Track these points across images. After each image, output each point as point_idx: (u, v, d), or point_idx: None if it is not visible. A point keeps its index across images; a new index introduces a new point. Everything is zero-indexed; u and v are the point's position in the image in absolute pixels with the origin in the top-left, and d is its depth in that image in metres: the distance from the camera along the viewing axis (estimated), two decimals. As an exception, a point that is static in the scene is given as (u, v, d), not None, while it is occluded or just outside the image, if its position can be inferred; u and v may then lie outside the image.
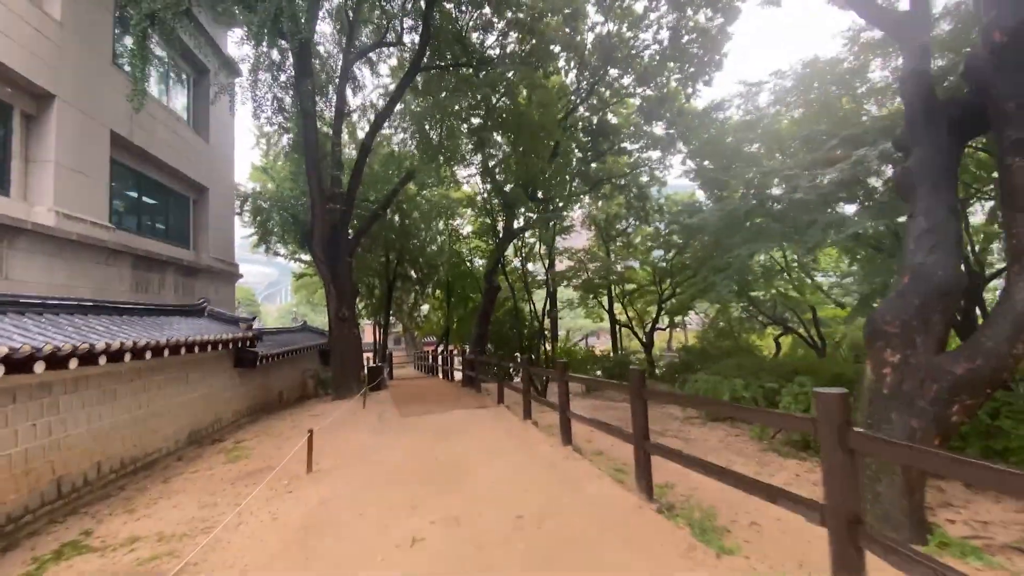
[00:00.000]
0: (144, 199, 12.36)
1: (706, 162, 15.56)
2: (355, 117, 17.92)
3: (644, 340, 19.95)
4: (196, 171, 13.95)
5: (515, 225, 13.72)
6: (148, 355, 7.03)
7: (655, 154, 18.13)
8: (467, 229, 20.81)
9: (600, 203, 21.78)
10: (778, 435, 7.32)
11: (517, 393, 9.16)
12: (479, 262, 22.70)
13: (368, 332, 34.57)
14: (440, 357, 19.58)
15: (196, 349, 8.45)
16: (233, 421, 10.87)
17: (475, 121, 14.12)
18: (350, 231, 13.94)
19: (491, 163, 13.28)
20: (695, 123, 15.16)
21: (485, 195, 14.08)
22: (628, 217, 21.30)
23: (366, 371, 15.33)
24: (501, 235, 12.63)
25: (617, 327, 22.62)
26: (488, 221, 14.21)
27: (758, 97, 11.62)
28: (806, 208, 7.82)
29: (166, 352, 7.45)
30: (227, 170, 15.82)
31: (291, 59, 11.39)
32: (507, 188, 12.41)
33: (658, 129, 17.35)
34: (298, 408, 12.48)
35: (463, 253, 20.57)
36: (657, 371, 20.31)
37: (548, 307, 19.45)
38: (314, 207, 12.13)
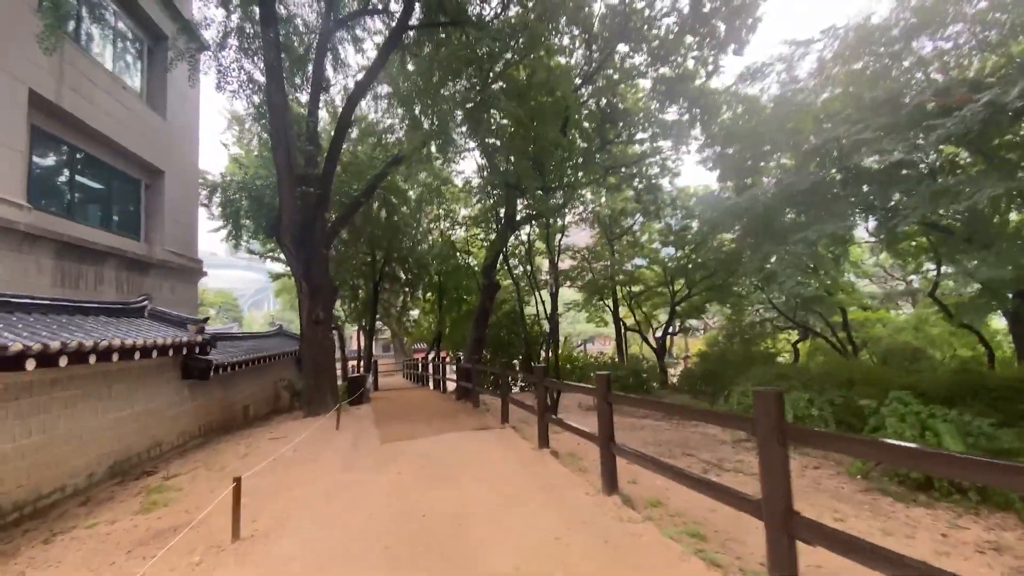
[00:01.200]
0: (79, 178, 10.44)
1: (729, 149, 14.02)
2: (337, 99, 16.18)
3: (655, 346, 18.24)
4: (149, 150, 12.06)
5: (518, 210, 11.87)
6: (31, 364, 5.14)
7: (666, 143, 16.49)
8: (463, 212, 18.88)
9: (604, 198, 20.14)
10: (879, 467, 5.58)
11: (522, 410, 7.38)
12: (474, 262, 20.88)
13: (356, 338, 32.46)
14: (431, 365, 17.70)
15: (116, 356, 6.56)
16: (179, 445, 8.94)
17: (471, 96, 12.35)
18: (328, 219, 12.11)
19: (491, 140, 11.52)
20: (717, 104, 13.57)
21: (483, 175, 12.15)
22: (635, 213, 19.68)
23: (347, 382, 13.44)
24: (502, 222, 10.84)
25: (623, 331, 20.92)
26: (488, 203, 12.44)
27: (801, 63, 10.02)
28: (894, 176, 6.16)
29: (62, 360, 5.56)
30: (189, 152, 13.92)
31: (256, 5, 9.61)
32: (510, 163, 10.64)
33: (671, 114, 15.73)
34: (264, 426, 10.55)
35: (457, 244, 18.62)
36: (671, 380, 18.60)
37: (550, 310, 17.65)
38: (282, 187, 10.31)
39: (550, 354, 16.85)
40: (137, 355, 7.08)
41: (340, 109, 15.20)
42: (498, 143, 12.76)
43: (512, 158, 10.92)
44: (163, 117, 12.85)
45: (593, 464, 5.27)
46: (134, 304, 8.87)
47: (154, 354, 7.50)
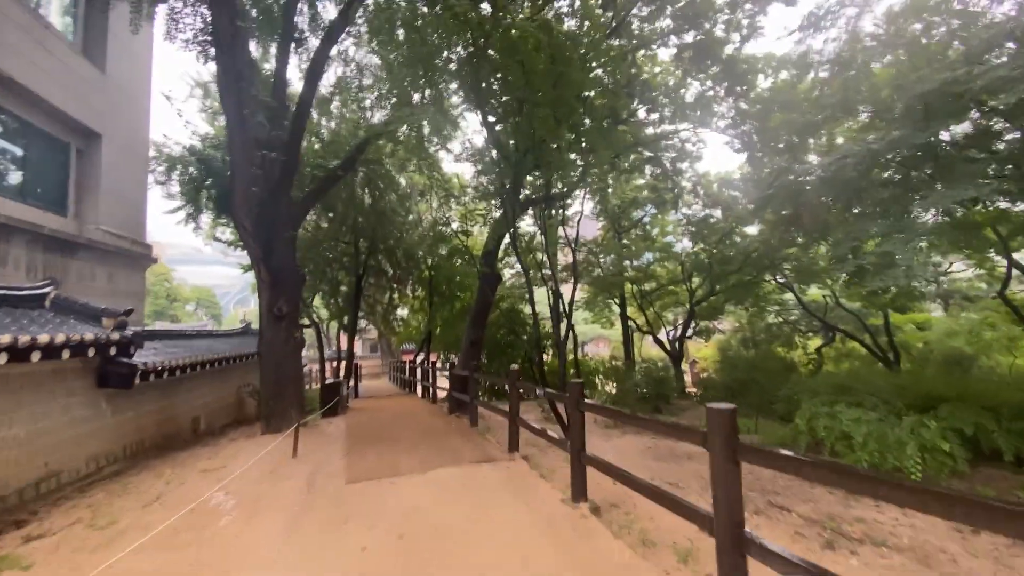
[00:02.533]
0: (-25, 132, 8.35)
1: (759, 124, 12.25)
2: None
3: (670, 349, 16.42)
4: (80, 107, 9.97)
5: (525, 186, 9.80)
6: None
7: (688, 122, 14.66)
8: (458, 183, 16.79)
9: (612, 187, 18.26)
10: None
11: (525, 429, 5.50)
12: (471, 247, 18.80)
13: (337, 337, 29.82)
14: (419, 370, 15.67)
15: (-40, 361, 4.52)
16: (87, 475, 6.88)
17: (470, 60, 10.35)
18: (296, 195, 10.10)
19: (494, 106, 9.54)
20: (753, 71, 11.80)
21: (485, 141, 10.07)
22: (646, 204, 17.86)
23: (320, 389, 11.41)
24: (505, 196, 8.84)
25: (630, 333, 19.07)
26: (488, 178, 10.51)
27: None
28: None
29: None
30: (135, 116, 11.81)
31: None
32: (517, 127, 8.68)
33: (694, 88, 13.92)
34: (209, 446, 8.52)
35: (450, 235, 16.52)
36: (690, 390, 16.76)
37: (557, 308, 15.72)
38: (233, 148, 8.31)
39: (547, 358, 14.90)
40: (4, 358, 5.04)
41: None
42: (500, 106, 10.73)
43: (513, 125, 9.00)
44: (101, 70, 10.75)
45: (669, 531, 3.36)
46: (29, 290, 6.79)
47: (35, 356, 5.45)
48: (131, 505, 5.13)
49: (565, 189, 13.55)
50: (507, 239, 14.18)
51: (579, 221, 10.47)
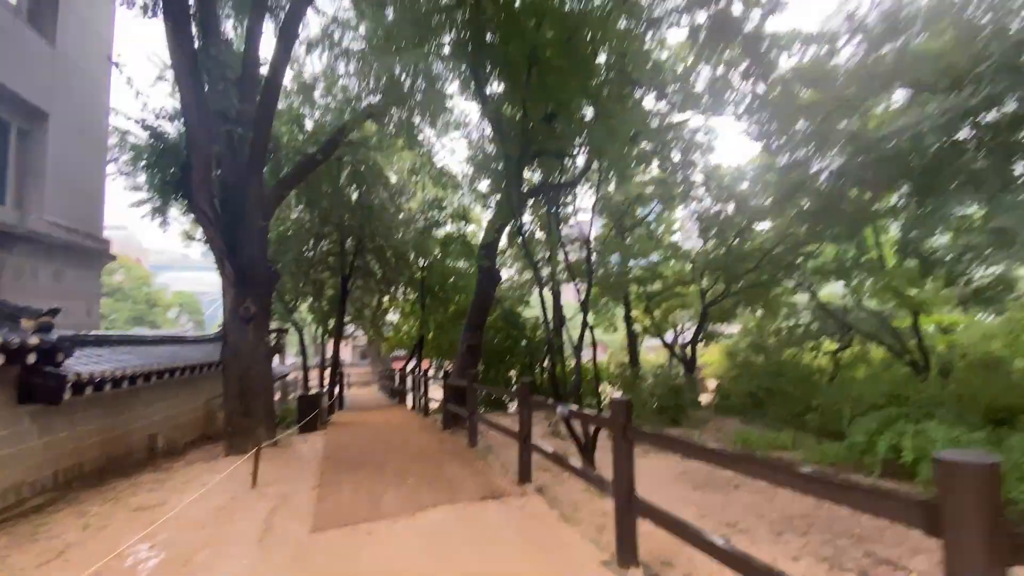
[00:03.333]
0: None
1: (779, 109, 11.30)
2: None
3: (682, 355, 15.33)
4: (23, 82, 8.75)
5: (526, 182, 8.50)
6: None
7: (699, 109, 13.64)
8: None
9: (614, 179, 17.17)
10: None
11: (534, 452, 4.36)
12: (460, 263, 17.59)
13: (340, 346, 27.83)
14: (409, 378, 14.40)
15: None
16: (7, 507, 5.61)
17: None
18: (271, 182, 8.92)
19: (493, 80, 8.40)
20: (778, 46, 10.81)
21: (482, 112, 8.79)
22: (652, 200, 16.84)
23: (297, 402, 10.19)
24: (507, 179, 7.65)
25: (634, 338, 17.97)
26: (486, 154, 9.38)
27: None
28: None
29: None
30: (92, 95, 10.59)
31: None
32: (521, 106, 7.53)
33: (706, 76, 12.93)
34: (161, 471, 7.26)
35: (443, 212, 15.18)
36: (702, 399, 15.63)
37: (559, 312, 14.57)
38: (189, 119, 7.10)
39: (548, 364, 13.78)
40: None
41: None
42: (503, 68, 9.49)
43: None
44: (50, 43, 9.53)
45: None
46: (-73, 285, 5.54)
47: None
48: (26, 561, 3.89)
49: (576, 171, 12.44)
50: (504, 240, 13.07)
51: (596, 207, 9.30)
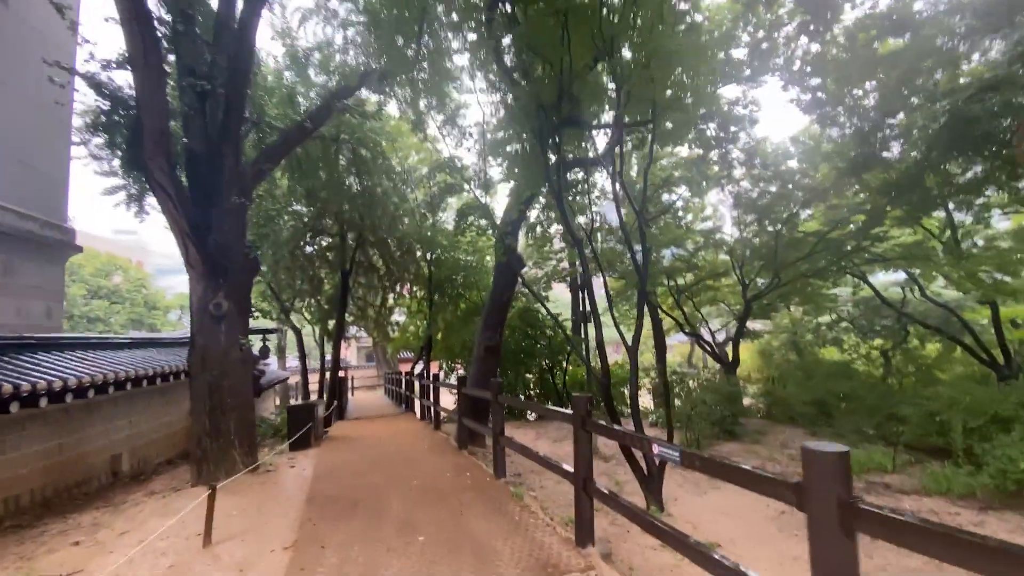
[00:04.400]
0: None
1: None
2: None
3: (719, 354, 13.78)
4: (-44, 40, 7.40)
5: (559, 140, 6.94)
6: None
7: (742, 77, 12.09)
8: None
9: (636, 159, 15.61)
10: None
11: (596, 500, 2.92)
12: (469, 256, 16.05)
13: (344, 349, 25.57)
14: (417, 383, 12.95)
15: None
16: None
17: None
18: (247, 152, 7.54)
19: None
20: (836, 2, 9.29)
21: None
22: (680, 183, 15.30)
23: (287, 413, 8.77)
24: (539, 132, 6.07)
25: (663, 336, 16.40)
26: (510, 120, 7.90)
27: None
28: None
29: None
30: (48, 58, 9.21)
31: None
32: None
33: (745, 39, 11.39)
34: (100, 510, 5.86)
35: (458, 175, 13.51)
36: (752, 401, 14.00)
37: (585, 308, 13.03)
38: (136, 69, 5.69)
39: (603, 377, 12.32)
40: None
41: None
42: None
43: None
44: (1, 2, 8.17)
45: None
46: None
47: None
48: None
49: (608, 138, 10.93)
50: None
51: (646, 173, 7.71)
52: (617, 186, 7.09)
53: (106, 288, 31.23)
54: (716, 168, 13.67)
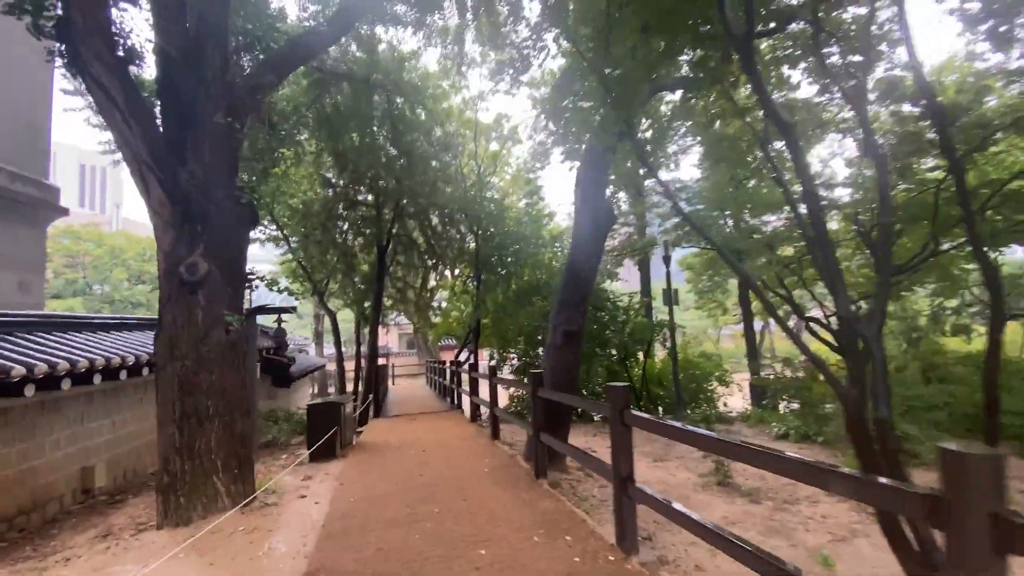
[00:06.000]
0: None
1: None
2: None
3: (848, 345, 10.98)
4: None
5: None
6: None
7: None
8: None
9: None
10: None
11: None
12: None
13: (384, 335, 23.04)
14: (464, 376, 10.85)
15: None
16: None
17: None
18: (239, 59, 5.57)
19: None
20: None
21: None
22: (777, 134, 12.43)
23: (308, 413, 6.88)
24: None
25: (752, 323, 13.70)
26: None
27: None
28: None
29: None
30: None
31: None
32: None
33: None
34: (40, 555, 4.04)
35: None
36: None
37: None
38: None
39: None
40: None
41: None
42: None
43: None
44: None
45: None
46: None
47: None
48: None
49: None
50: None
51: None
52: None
53: (149, 273, 30.91)
54: (834, 110, 10.85)
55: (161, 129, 4.58)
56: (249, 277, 5.06)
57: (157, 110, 4.75)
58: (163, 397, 4.34)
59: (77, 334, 6.61)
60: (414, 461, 6.02)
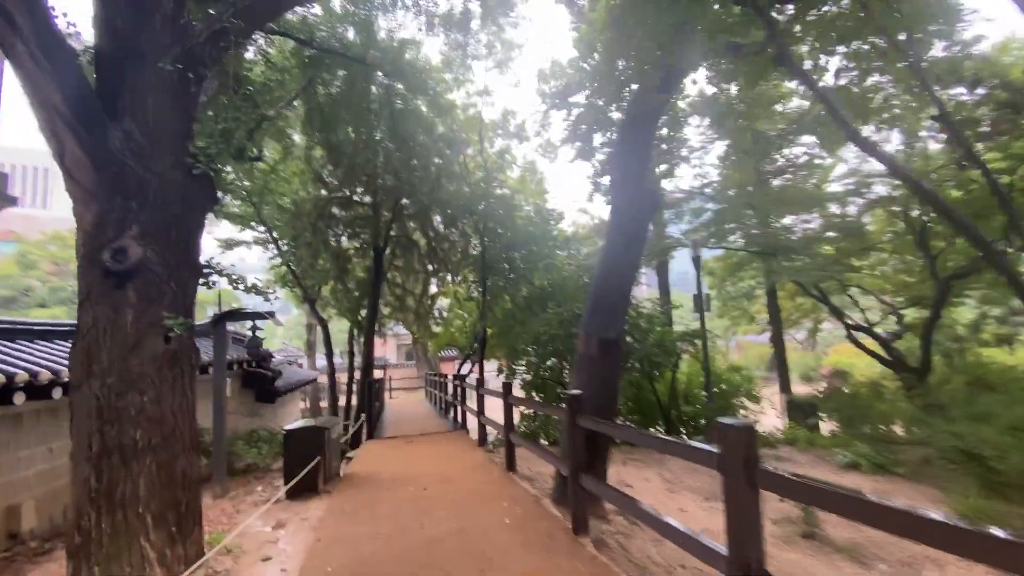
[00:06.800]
0: None
1: None
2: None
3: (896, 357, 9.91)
4: None
5: None
6: None
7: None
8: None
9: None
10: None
11: None
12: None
13: (381, 346, 21.69)
14: (471, 394, 9.52)
15: None
16: None
17: None
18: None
19: None
20: None
21: None
22: (816, 127, 11.60)
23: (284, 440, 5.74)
24: None
25: (782, 334, 12.59)
26: None
27: None
28: None
29: None
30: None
31: None
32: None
33: None
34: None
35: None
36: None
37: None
38: None
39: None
40: None
41: None
42: None
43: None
44: None
45: None
46: None
47: None
48: None
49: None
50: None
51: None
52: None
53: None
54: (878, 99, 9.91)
55: (92, 75, 3.54)
56: (205, 270, 3.90)
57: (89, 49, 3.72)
58: (77, 427, 3.21)
59: (8, 343, 5.49)
60: (413, 504, 4.85)
